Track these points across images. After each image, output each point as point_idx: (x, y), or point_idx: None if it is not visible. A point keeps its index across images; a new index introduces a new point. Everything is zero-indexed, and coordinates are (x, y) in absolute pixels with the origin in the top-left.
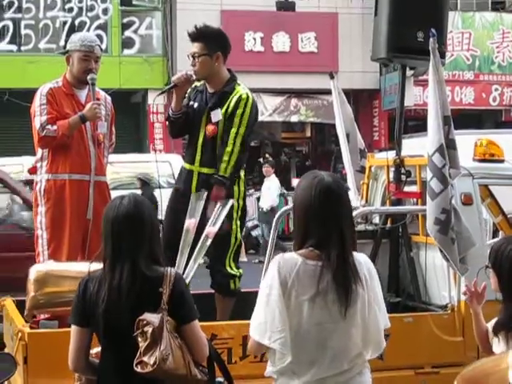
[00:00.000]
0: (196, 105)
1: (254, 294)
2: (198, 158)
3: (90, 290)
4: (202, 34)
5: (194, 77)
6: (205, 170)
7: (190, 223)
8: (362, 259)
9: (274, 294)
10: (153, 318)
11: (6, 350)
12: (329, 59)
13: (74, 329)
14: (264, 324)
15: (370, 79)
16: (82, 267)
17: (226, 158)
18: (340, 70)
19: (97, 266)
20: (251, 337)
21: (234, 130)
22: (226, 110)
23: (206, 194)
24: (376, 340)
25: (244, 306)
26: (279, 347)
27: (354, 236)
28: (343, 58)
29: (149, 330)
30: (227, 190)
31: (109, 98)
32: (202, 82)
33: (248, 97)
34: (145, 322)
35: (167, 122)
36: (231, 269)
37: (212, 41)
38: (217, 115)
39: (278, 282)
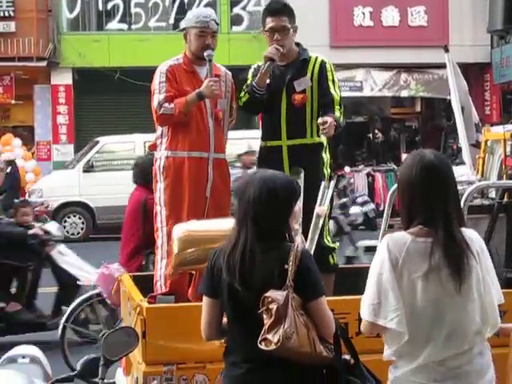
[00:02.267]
0: (268, 80)
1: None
2: (283, 131)
3: (219, 262)
4: (286, 7)
5: (282, 50)
6: (296, 142)
7: (321, 210)
8: (473, 236)
9: (386, 274)
10: (278, 295)
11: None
12: (439, 33)
13: (204, 299)
14: (377, 305)
15: (481, 52)
16: (223, 225)
17: (338, 113)
18: (450, 43)
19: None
20: (364, 319)
21: (336, 93)
22: (312, 76)
23: (302, 172)
24: (493, 316)
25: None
26: (395, 326)
27: (460, 212)
28: (453, 32)
29: (273, 307)
30: (335, 131)
31: (229, 74)
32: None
33: (329, 62)
34: (270, 300)
35: (246, 98)
36: (328, 242)
37: (292, 14)
38: (303, 83)
39: (389, 262)
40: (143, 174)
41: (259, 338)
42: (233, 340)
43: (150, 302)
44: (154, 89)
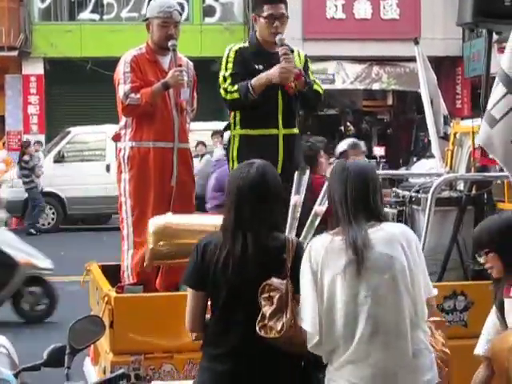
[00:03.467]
0: (262, 67)
1: None
2: (280, 120)
3: (209, 254)
4: None
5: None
6: (290, 131)
7: (297, 199)
8: (397, 229)
9: (306, 280)
10: (279, 283)
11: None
12: (411, 26)
13: (190, 292)
14: (301, 308)
15: (453, 46)
16: (199, 220)
17: (317, 86)
18: (422, 36)
19: (214, 219)
20: None
21: (321, 88)
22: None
23: (308, 170)
24: (421, 310)
25: None
26: (309, 328)
27: (376, 208)
28: (425, 25)
29: (276, 295)
30: (305, 84)
31: (191, 64)
32: (244, 44)
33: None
34: (272, 287)
35: (236, 97)
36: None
37: (287, 2)
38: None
39: (309, 266)
40: None
41: (257, 325)
42: (216, 332)
43: (118, 292)
44: (119, 78)
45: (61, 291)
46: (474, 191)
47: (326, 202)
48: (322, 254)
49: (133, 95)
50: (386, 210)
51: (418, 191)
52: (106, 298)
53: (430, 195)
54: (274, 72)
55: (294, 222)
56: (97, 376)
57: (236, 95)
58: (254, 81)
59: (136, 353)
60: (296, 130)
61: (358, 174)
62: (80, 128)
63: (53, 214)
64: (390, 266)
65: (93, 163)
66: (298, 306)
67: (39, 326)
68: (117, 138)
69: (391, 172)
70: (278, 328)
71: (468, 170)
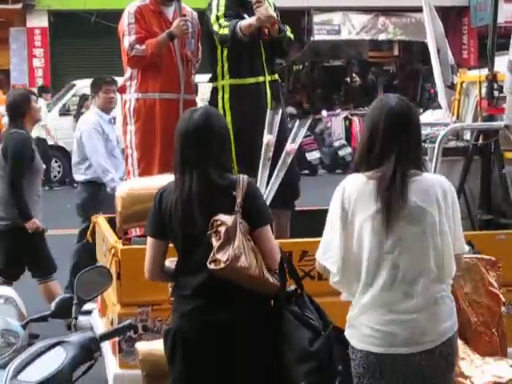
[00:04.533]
0: (246, 15)
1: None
2: (265, 67)
3: (164, 200)
4: None
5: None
6: (275, 77)
7: (269, 138)
8: (436, 180)
9: (336, 218)
10: (226, 217)
11: None
12: None
13: (149, 240)
14: (326, 245)
15: None
16: (164, 181)
17: (289, 33)
18: None
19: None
20: (316, 257)
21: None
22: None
23: (281, 109)
24: (448, 266)
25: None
26: (329, 265)
27: (418, 158)
28: None
29: (222, 229)
30: (280, 31)
31: (195, 14)
32: None
33: None
34: (219, 222)
35: (227, 33)
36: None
37: None
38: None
39: (340, 205)
40: None
41: (209, 260)
42: (182, 275)
43: (124, 244)
44: (124, 30)
45: (68, 244)
46: (480, 141)
47: (298, 140)
48: (356, 195)
49: (138, 46)
50: None
51: (424, 141)
52: (113, 250)
53: (436, 145)
54: (255, 17)
55: (266, 161)
56: (104, 327)
57: (226, 31)
58: (242, 22)
59: (143, 304)
60: (277, 76)
61: (401, 113)
62: (85, 81)
63: (59, 167)
64: (420, 220)
65: None
66: (251, 242)
67: None
68: (122, 89)
69: None
70: (224, 259)
71: (475, 119)
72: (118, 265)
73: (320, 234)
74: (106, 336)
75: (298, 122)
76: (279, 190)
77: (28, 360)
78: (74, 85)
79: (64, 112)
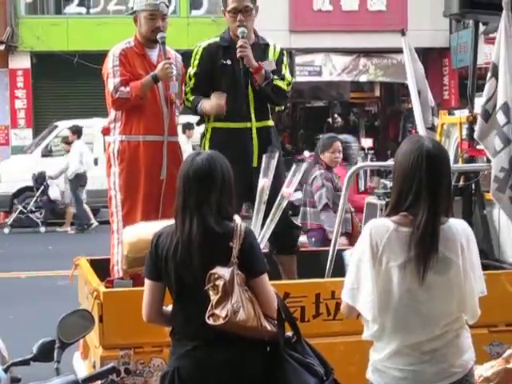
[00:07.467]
0: (230, 62)
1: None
2: (252, 113)
3: (162, 244)
4: None
5: (246, 32)
6: (263, 124)
7: (265, 182)
8: (459, 227)
9: (365, 262)
10: (224, 271)
11: None
12: (398, 17)
13: (147, 282)
14: (357, 290)
15: (440, 37)
16: None
17: (279, 82)
18: (409, 28)
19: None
20: (343, 300)
21: (289, 76)
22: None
23: (277, 153)
24: (472, 309)
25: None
26: (368, 312)
27: (449, 203)
28: (412, 17)
29: (220, 283)
30: (266, 79)
31: (179, 57)
32: (215, 39)
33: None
34: (216, 276)
35: (190, 105)
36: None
37: None
38: (270, 65)
39: (369, 249)
40: None
41: (207, 314)
42: (178, 321)
43: (107, 287)
44: (108, 72)
45: (50, 286)
46: (461, 182)
47: (294, 185)
48: (385, 241)
49: (122, 88)
50: (374, 201)
51: None
52: (95, 293)
53: None
54: (210, 105)
55: (261, 205)
56: (87, 370)
57: (190, 105)
58: (203, 103)
59: (125, 347)
60: (270, 122)
61: (437, 156)
62: (67, 122)
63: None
64: (446, 270)
65: None
66: (248, 292)
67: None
68: (106, 131)
69: (379, 163)
70: (223, 315)
71: (456, 160)
72: (101, 308)
73: (302, 276)
74: (88, 379)
75: (264, 156)
76: (279, 238)
77: None
78: (56, 126)
79: (46, 153)
